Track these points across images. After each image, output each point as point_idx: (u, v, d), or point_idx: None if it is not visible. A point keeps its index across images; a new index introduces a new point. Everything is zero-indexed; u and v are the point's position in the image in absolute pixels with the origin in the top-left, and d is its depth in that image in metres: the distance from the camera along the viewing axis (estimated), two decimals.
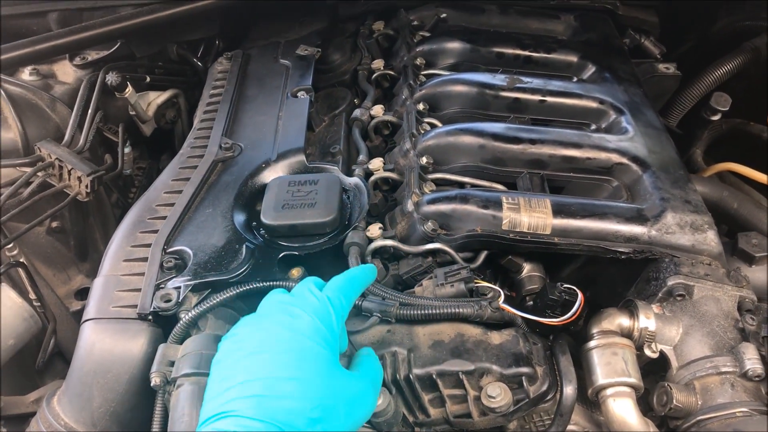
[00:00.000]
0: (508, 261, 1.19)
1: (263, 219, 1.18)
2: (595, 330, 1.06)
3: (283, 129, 1.41)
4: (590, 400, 1.04)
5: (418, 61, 1.58)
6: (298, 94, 1.50)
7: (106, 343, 1.04)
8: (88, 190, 1.45)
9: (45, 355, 1.47)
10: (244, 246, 1.14)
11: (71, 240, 1.63)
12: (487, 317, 1.03)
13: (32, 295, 1.45)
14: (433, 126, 1.39)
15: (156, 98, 1.73)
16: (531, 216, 1.14)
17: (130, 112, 1.68)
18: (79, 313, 1.23)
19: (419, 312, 1.02)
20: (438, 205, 1.17)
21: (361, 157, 1.36)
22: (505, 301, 1.06)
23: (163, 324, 1.06)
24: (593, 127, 1.45)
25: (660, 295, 1.08)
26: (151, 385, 0.98)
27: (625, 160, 1.28)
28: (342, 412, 0.84)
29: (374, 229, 1.17)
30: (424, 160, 1.28)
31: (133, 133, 1.74)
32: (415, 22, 1.73)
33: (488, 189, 1.25)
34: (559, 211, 1.15)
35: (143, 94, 1.70)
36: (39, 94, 1.55)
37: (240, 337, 0.88)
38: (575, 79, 1.57)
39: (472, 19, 1.74)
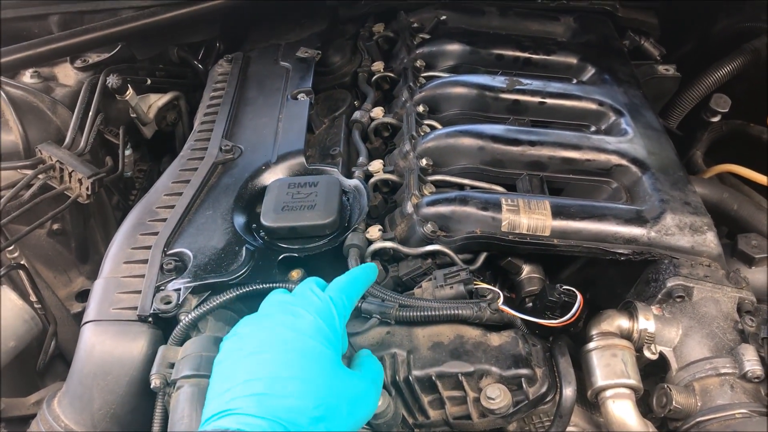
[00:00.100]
0: (508, 263, 1.19)
1: (263, 221, 1.18)
2: (594, 331, 1.06)
3: (283, 131, 1.41)
4: (590, 401, 1.04)
5: (418, 63, 1.59)
6: (298, 96, 1.51)
7: (106, 344, 1.04)
8: (89, 193, 1.45)
9: (46, 357, 1.47)
10: (244, 248, 1.14)
11: (72, 242, 1.63)
12: (486, 319, 1.03)
13: (33, 297, 1.45)
14: (432, 128, 1.39)
15: (157, 100, 1.73)
16: (530, 218, 1.14)
17: (131, 115, 1.68)
18: (80, 315, 1.23)
19: (418, 314, 1.03)
20: (437, 207, 1.18)
21: (361, 159, 1.36)
22: (504, 303, 1.06)
23: (163, 326, 1.06)
24: (593, 128, 1.45)
25: (659, 296, 1.08)
26: (151, 387, 0.98)
27: (624, 162, 1.28)
28: (344, 411, 0.85)
29: (374, 231, 1.17)
30: (423, 161, 1.28)
31: (134, 136, 1.74)
32: (415, 24, 1.73)
33: (488, 191, 1.25)
34: (558, 212, 1.15)
35: (144, 97, 1.71)
36: (40, 97, 1.55)
37: (241, 337, 0.88)
38: (575, 80, 1.57)
39: (471, 21, 1.74)
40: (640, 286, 1.14)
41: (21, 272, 1.45)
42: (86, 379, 1.05)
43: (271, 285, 1.06)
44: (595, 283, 1.25)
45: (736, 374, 0.98)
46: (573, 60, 1.61)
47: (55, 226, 1.59)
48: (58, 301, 1.60)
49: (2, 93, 1.51)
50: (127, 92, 1.59)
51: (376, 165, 1.33)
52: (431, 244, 1.14)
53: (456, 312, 1.02)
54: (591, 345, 1.04)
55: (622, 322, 1.06)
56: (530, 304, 1.16)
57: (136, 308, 1.06)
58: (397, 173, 1.32)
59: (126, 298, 1.08)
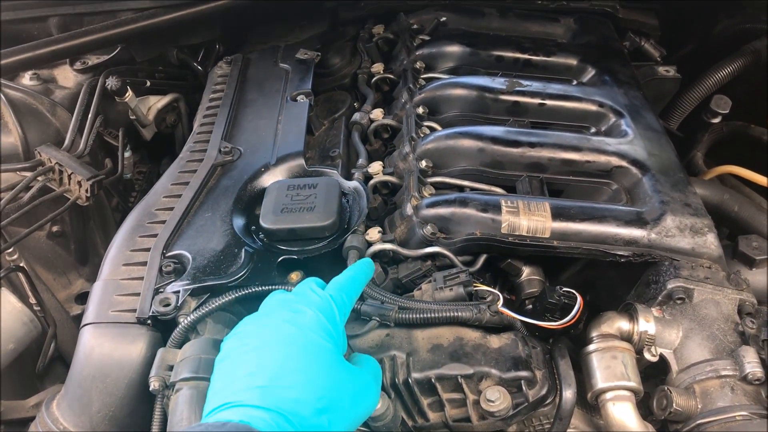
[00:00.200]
0: (508, 264, 1.19)
1: (262, 223, 1.18)
2: (594, 333, 1.06)
3: (282, 133, 1.41)
4: (590, 403, 1.03)
5: (418, 64, 1.58)
6: (298, 98, 1.50)
7: (105, 347, 1.04)
8: (88, 195, 1.45)
9: (45, 360, 1.47)
10: (243, 250, 1.14)
11: (71, 244, 1.63)
12: (485, 321, 1.03)
13: (32, 300, 1.45)
14: (432, 129, 1.39)
15: (156, 102, 1.73)
16: (530, 219, 1.14)
17: (131, 117, 1.68)
18: (79, 317, 1.23)
19: (418, 316, 1.02)
20: (437, 209, 1.17)
21: (361, 161, 1.36)
22: (504, 305, 1.06)
23: (162, 328, 1.06)
24: (593, 130, 1.44)
25: (660, 298, 1.08)
26: (150, 389, 0.98)
27: (624, 163, 1.28)
28: (347, 404, 0.85)
29: (373, 233, 1.17)
30: (423, 163, 1.28)
31: (134, 138, 1.74)
32: (415, 26, 1.73)
33: (487, 192, 1.25)
34: (558, 214, 1.15)
35: (143, 99, 1.71)
36: (39, 99, 1.55)
37: (242, 336, 0.88)
38: (575, 82, 1.57)
39: (471, 23, 1.74)
40: (640, 287, 1.14)
41: (20, 274, 1.45)
42: (85, 382, 1.04)
43: (270, 287, 1.06)
44: (595, 285, 1.24)
45: (737, 376, 0.98)
46: (573, 61, 1.60)
47: (55, 228, 1.58)
48: (57, 303, 1.59)
49: (2, 95, 1.51)
50: (127, 94, 1.59)
51: (376, 167, 1.32)
52: (431, 246, 1.14)
53: (455, 314, 1.02)
54: (591, 347, 1.04)
55: (623, 324, 1.06)
56: (530, 306, 1.16)
57: (135, 310, 1.06)
58: (396, 175, 1.32)
59: (125, 300, 1.08)
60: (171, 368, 0.97)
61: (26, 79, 1.60)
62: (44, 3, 1.64)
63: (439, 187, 1.28)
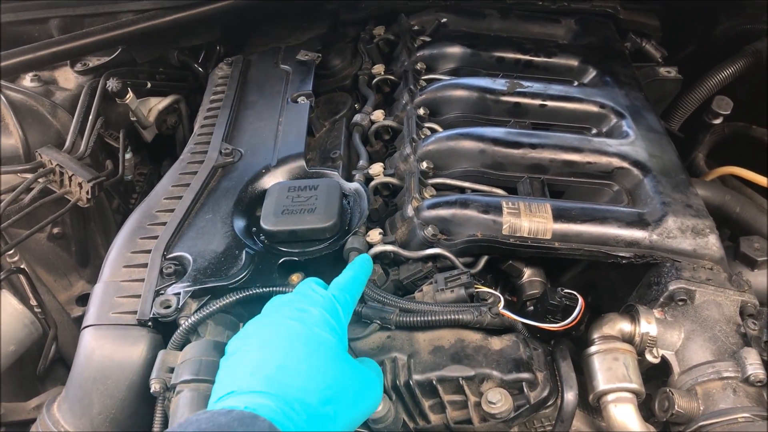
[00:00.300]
0: (509, 266, 1.19)
1: (263, 224, 1.18)
2: (596, 335, 1.06)
3: (283, 134, 1.41)
4: (591, 405, 1.03)
5: (419, 65, 1.58)
6: (299, 100, 1.50)
7: (105, 349, 1.04)
8: (89, 196, 1.45)
9: (46, 362, 1.47)
10: (244, 252, 1.14)
11: (72, 246, 1.63)
12: (487, 323, 1.03)
13: (33, 302, 1.45)
14: (433, 131, 1.39)
15: (157, 104, 1.73)
16: (531, 221, 1.14)
17: (131, 118, 1.68)
18: (80, 319, 1.23)
19: (419, 319, 1.02)
20: (438, 210, 1.17)
21: (362, 162, 1.36)
22: (505, 307, 1.05)
23: (162, 330, 1.06)
24: (594, 131, 1.44)
25: (661, 299, 1.08)
26: (151, 391, 0.97)
27: (625, 165, 1.28)
28: (352, 398, 0.85)
29: (374, 235, 1.17)
30: (424, 164, 1.28)
31: (134, 139, 1.74)
32: (416, 27, 1.73)
33: (488, 194, 1.25)
34: (559, 215, 1.15)
35: (144, 100, 1.71)
36: (40, 101, 1.55)
37: (247, 335, 0.88)
38: (576, 83, 1.57)
39: (472, 24, 1.74)
40: (641, 289, 1.14)
41: (21, 276, 1.45)
42: (86, 384, 1.04)
43: (271, 289, 1.06)
44: (596, 287, 1.24)
45: (739, 378, 0.98)
46: (574, 62, 1.60)
47: (55, 230, 1.58)
48: (58, 305, 1.60)
49: (2, 97, 1.51)
50: (128, 96, 1.59)
51: (377, 168, 1.32)
52: (432, 247, 1.14)
53: (456, 317, 1.02)
54: (592, 349, 1.03)
55: (624, 325, 1.05)
56: (531, 308, 1.15)
57: (135, 312, 1.05)
58: (397, 176, 1.31)
59: (126, 302, 1.08)
60: (172, 370, 0.97)
61: (27, 80, 1.60)
62: (45, 4, 1.64)
63: (440, 188, 1.28)
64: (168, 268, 1.11)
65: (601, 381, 1.00)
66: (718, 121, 1.81)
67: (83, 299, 1.64)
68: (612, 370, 1.00)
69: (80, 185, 1.45)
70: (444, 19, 1.74)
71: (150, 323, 1.05)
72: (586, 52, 1.64)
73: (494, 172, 1.30)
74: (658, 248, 1.13)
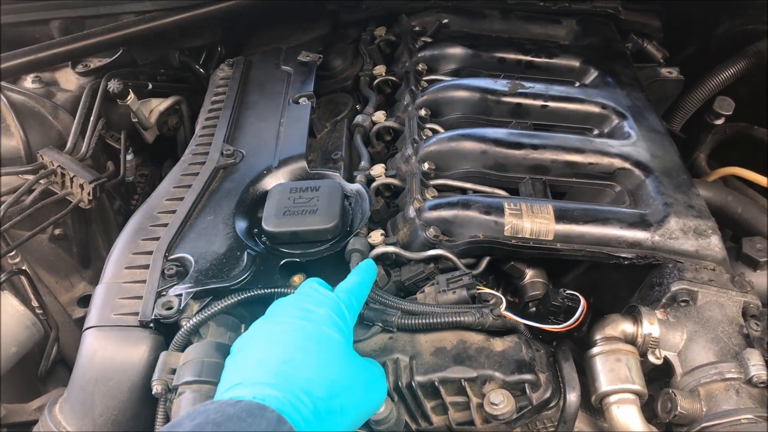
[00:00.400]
0: (511, 267, 1.19)
1: (264, 226, 1.18)
2: (598, 336, 1.05)
3: (284, 135, 1.41)
4: (594, 407, 1.03)
5: (420, 66, 1.58)
6: (300, 101, 1.51)
7: (107, 350, 1.04)
8: (91, 198, 1.45)
9: (48, 363, 1.47)
10: (246, 253, 1.13)
11: (74, 247, 1.63)
12: (488, 325, 1.02)
13: (35, 303, 1.45)
14: (434, 132, 1.39)
15: (158, 105, 1.73)
16: (533, 222, 1.14)
17: (133, 119, 1.68)
18: (81, 321, 1.23)
19: (420, 321, 1.02)
20: (440, 211, 1.17)
21: (363, 163, 1.36)
22: (507, 308, 1.05)
23: (164, 331, 1.06)
24: (596, 132, 1.44)
25: (664, 300, 1.08)
26: (153, 392, 0.97)
27: (627, 165, 1.28)
28: (360, 393, 0.85)
29: (376, 236, 1.17)
30: (426, 166, 1.28)
31: (136, 140, 1.74)
32: (417, 28, 1.73)
33: (490, 195, 1.25)
34: (561, 216, 1.15)
35: (145, 101, 1.71)
36: (41, 102, 1.55)
37: (254, 334, 0.88)
38: (577, 83, 1.57)
39: (473, 25, 1.74)
40: (644, 290, 1.14)
41: (22, 277, 1.45)
42: (88, 385, 1.04)
43: (273, 290, 1.06)
44: (598, 288, 1.24)
45: (742, 379, 0.98)
46: (575, 63, 1.60)
47: (57, 231, 1.58)
48: (59, 306, 1.60)
49: (4, 98, 1.51)
50: (129, 97, 1.59)
51: (378, 169, 1.32)
52: (434, 248, 1.14)
53: (458, 319, 1.02)
54: (595, 350, 1.03)
55: (626, 326, 1.05)
56: (533, 309, 1.15)
57: (137, 314, 1.05)
58: (399, 177, 1.31)
59: (127, 303, 1.08)
60: (174, 371, 0.97)
61: (28, 82, 1.60)
62: (46, 5, 1.64)
63: (442, 189, 1.27)
64: (170, 270, 1.10)
65: (604, 382, 0.99)
66: (719, 122, 1.81)
67: (85, 300, 1.64)
68: (614, 372, 0.99)
69: (82, 186, 1.45)
70: (445, 20, 1.74)
71: (152, 324, 1.05)
72: (588, 52, 1.64)
73: (496, 173, 1.30)
74: (661, 249, 1.13)
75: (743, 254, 1.24)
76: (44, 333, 1.40)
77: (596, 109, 1.44)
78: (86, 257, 1.67)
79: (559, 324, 1.06)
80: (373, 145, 1.47)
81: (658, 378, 1.07)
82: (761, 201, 1.57)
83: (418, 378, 0.98)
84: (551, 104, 1.45)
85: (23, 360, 1.36)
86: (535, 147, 1.30)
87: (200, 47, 1.85)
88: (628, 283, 1.18)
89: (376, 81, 1.62)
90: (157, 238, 1.17)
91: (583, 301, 1.06)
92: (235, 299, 1.04)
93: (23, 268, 1.48)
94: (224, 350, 0.96)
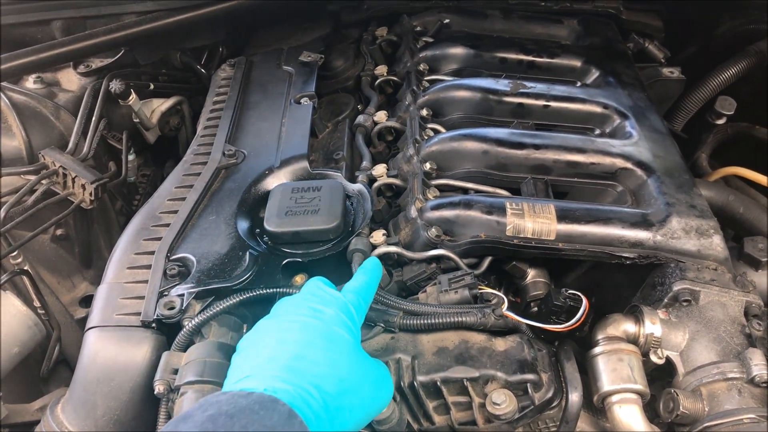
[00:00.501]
0: (513, 267, 1.19)
1: (266, 226, 1.18)
2: (600, 336, 1.05)
3: (286, 135, 1.41)
4: (596, 406, 1.03)
5: (422, 66, 1.58)
6: (302, 101, 1.51)
7: (109, 350, 1.04)
8: (92, 198, 1.45)
9: (50, 363, 1.46)
10: (248, 253, 1.14)
11: (75, 247, 1.63)
12: (490, 325, 1.03)
13: (37, 303, 1.45)
14: (436, 132, 1.39)
15: (160, 105, 1.73)
16: (535, 221, 1.14)
17: (134, 120, 1.68)
18: (83, 321, 1.23)
19: (422, 322, 1.02)
20: (442, 211, 1.17)
21: (365, 164, 1.36)
22: (509, 308, 1.05)
23: (166, 331, 1.06)
24: (597, 131, 1.44)
25: (666, 300, 1.08)
26: (155, 393, 0.98)
27: (629, 165, 1.28)
28: (369, 391, 0.85)
29: (378, 236, 1.17)
30: (427, 166, 1.28)
31: (137, 141, 1.74)
32: (419, 28, 1.73)
33: (492, 195, 1.25)
34: (563, 216, 1.15)
35: (147, 102, 1.71)
36: (43, 102, 1.55)
37: (262, 330, 0.88)
38: (579, 83, 1.57)
39: (475, 25, 1.74)
40: (646, 290, 1.14)
41: (24, 278, 1.44)
42: (90, 386, 1.04)
43: (275, 290, 1.06)
44: (600, 287, 1.24)
45: (744, 379, 0.98)
46: (577, 63, 1.60)
47: (59, 232, 1.58)
48: (61, 306, 1.59)
49: (5, 98, 1.51)
50: (130, 97, 1.59)
51: (380, 169, 1.32)
52: (435, 248, 1.14)
53: (459, 319, 1.02)
54: (597, 349, 1.03)
55: (628, 326, 1.05)
56: (535, 309, 1.15)
57: (139, 314, 1.05)
58: (400, 177, 1.31)
59: (129, 303, 1.08)
60: (176, 372, 0.97)
61: (30, 82, 1.60)
62: (47, 6, 1.64)
63: (444, 189, 1.27)
64: (172, 270, 1.10)
65: (606, 382, 0.99)
66: (721, 122, 1.81)
67: (87, 301, 1.63)
68: (616, 371, 0.99)
69: (83, 187, 1.45)
70: (446, 20, 1.74)
71: (154, 325, 1.05)
72: (589, 52, 1.64)
73: (498, 172, 1.30)
74: (663, 249, 1.13)
75: (745, 254, 1.24)
76: (46, 333, 1.40)
77: (598, 109, 1.44)
78: (88, 257, 1.67)
79: (561, 324, 1.06)
80: (374, 145, 1.47)
81: (660, 378, 1.07)
82: (763, 201, 1.57)
83: (420, 378, 0.98)
84: (553, 104, 1.45)
85: (25, 360, 1.36)
86: (536, 147, 1.30)
87: (202, 47, 1.85)
88: (630, 282, 1.18)
89: (378, 81, 1.62)
90: (159, 239, 1.17)
91: (585, 300, 1.06)
92: (238, 299, 1.04)
93: (25, 268, 1.48)
94: (227, 350, 0.97)
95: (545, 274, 1.20)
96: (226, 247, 1.16)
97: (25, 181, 1.46)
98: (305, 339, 0.83)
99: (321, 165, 1.39)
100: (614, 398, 0.98)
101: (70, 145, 1.52)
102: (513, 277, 1.21)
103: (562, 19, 1.77)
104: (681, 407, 0.96)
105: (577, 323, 1.05)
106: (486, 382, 0.98)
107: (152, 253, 1.15)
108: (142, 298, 1.07)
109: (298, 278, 1.13)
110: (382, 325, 1.04)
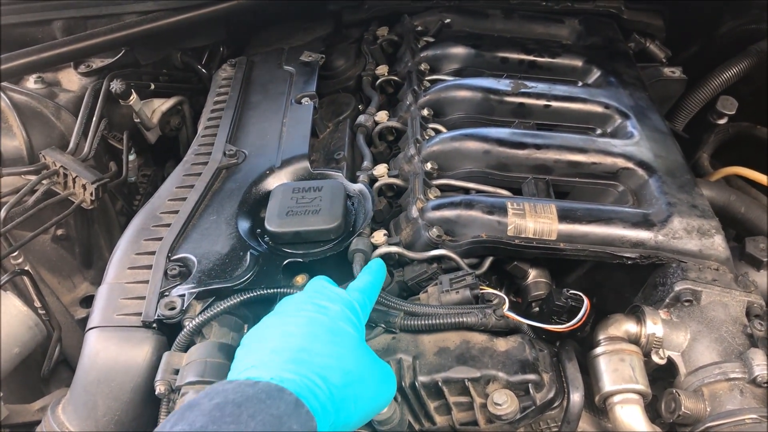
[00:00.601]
0: (514, 267, 1.19)
1: (267, 226, 1.18)
2: (601, 336, 1.05)
3: (287, 135, 1.40)
4: (597, 407, 1.03)
5: (423, 66, 1.58)
6: (302, 101, 1.51)
7: (110, 351, 1.04)
8: (93, 198, 1.45)
9: (50, 363, 1.46)
10: (249, 253, 1.13)
11: (76, 247, 1.63)
12: (491, 325, 1.02)
13: (37, 303, 1.45)
14: (437, 132, 1.38)
15: (160, 105, 1.73)
16: (536, 221, 1.13)
17: (135, 120, 1.68)
18: (84, 321, 1.23)
19: (423, 322, 1.02)
20: (443, 211, 1.17)
21: (366, 164, 1.35)
22: (510, 308, 1.05)
23: (167, 332, 1.06)
24: (598, 131, 1.44)
25: (667, 300, 1.07)
26: (156, 393, 0.97)
27: (630, 165, 1.27)
28: (373, 385, 0.85)
29: (379, 236, 1.17)
30: (428, 165, 1.28)
31: (138, 141, 1.74)
32: (419, 28, 1.73)
33: (493, 194, 1.25)
34: (564, 216, 1.14)
35: (148, 102, 1.71)
36: (44, 102, 1.55)
37: (267, 325, 0.87)
38: (580, 83, 1.57)
39: (476, 24, 1.74)
40: (647, 290, 1.14)
41: (25, 278, 1.44)
42: (90, 386, 1.04)
43: (276, 290, 1.05)
44: (602, 287, 1.24)
45: (746, 379, 0.97)
46: (578, 63, 1.60)
47: (59, 232, 1.58)
48: (62, 306, 1.59)
49: (6, 98, 1.51)
50: (131, 97, 1.59)
51: (381, 169, 1.32)
52: (437, 248, 1.13)
53: (460, 320, 1.01)
54: (598, 350, 1.03)
55: (630, 326, 1.05)
56: (537, 309, 1.15)
57: (140, 314, 1.05)
58: (401, 177, 1.31)
59: (130, 303, 1.08)
60: (177, 372, 0.97)
61: (31, 82, 1.60)
62: (48, 6, 1.64)
63: (445, 189, 1.27)
64: (172, 270, 1.10)
65: (608, 382, 0.99)
66: (722, 122, 1.81)
67: (87, 301, 1.63)
68: (618, 371, 0.99)
69: (84, 187, 1.45)
70: (447, 20, 1.74)
71: (154, 325, 1.05)
72: (590, 52, 1.64)
73: (499, 172, 1.30)
74: (664, 249, 1.13)
75: (746, 254, 1.24)
76: (47, 333, 1.40)
77: (599, 109, 1.44)
78: (89, 258, 1.67)
79: (562, 324, 1.06)
80: (375, 145, 1.47)
81: (662, 378, 1.07)
82: (764, 200, 1.57)
83: (422, 378, 0.98)
84: (554, 104, 1.44)
85: (26, 361, 1.36)
86: (538, 147, 1.30)
87: (202, 47, 1.85)
88: (632, 282, 1.18)
89: (379, 81, 1.62)
90: (160, 239, 1.17)
91: (586, 301, 1.06)
92: (239, 299, 1.04)
93: (26, 268, 1.48)
94: (228, 351, 0.96)
95: (546, 274, 1.19)
96: (226, 248, 1.15)
97: (25, 181, 1.46)
98: (311, 333, 0.83)
99: (322, 165, 1.38)
100: (616, 398, 0.98)
101: (71, 145, 1.51)
102: (514, 278, 1.21)
103: (563, 19, 1.77)
104: (683, 407, 0.96)
105: (579, 323, 1.05)
106: (487, 382, 0.98)
107: (153, 253, 1.14)
108: (143, 298, 1.07)
109: (299, 278, 1.13)
110: (383, 325, 1.04)
